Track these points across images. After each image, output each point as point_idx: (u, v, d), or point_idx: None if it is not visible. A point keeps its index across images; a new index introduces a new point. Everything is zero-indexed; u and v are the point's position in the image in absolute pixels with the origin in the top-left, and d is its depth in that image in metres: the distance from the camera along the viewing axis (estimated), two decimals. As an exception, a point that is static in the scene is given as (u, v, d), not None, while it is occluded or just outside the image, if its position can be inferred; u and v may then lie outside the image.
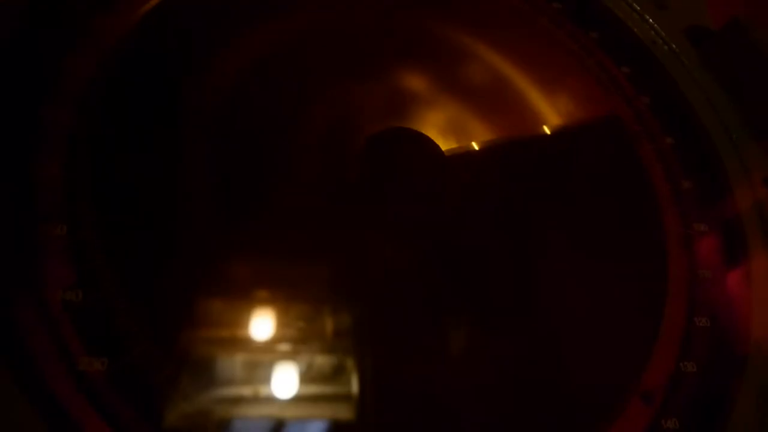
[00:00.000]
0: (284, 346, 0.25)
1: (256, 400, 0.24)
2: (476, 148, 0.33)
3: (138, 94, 0.28)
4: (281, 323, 0.25)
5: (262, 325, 0.25)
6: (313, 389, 0.24)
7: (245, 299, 0.26)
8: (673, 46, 0.38)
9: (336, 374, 0.25)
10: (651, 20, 0.39)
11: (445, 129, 0.33)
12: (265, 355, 0.25)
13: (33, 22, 0.28)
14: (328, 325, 0.26)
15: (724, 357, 0.29)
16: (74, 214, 0.24)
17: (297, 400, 0.24)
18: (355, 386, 0.24)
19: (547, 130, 0.35)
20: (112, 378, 0.22)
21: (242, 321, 0.25)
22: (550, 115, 0.35)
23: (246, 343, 0.25)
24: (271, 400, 0.24)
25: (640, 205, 0.34)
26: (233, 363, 0.24)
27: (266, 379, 0.24)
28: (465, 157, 0.32)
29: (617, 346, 0.29)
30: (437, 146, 0.32)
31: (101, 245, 0.24)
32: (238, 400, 0.23)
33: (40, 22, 0.28)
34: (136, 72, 0.29)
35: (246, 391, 0.24)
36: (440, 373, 0.26)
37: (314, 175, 0.30)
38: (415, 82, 0.34)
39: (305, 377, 0.24)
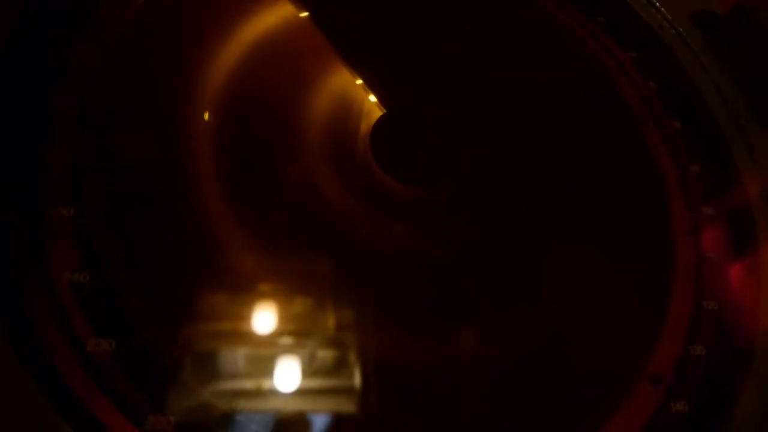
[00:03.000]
0: (289, 339, 0.25)
1: (260, 392, 0.24)
2: (483, 136, 0.33)
3: (143, 80, 0.28)
4: (286, 314, 0.25)
5: (267, 315, 0.25)
6: (318, 382, 0.24)
7: (250, 285, 0.26)
8: (680, 30, 0.38)
9: (340, 367, 0.25)
10: (658, 5, 0.39)
11: (449, 116, 0.33)
12: (270, 347, 0.25)
13: (41, 10, 0.28)
14: (333, 318, 0.26)
15: (732, 340, 0.29)
16: (82, 197, 0.24)
17: (301, 392, 0.24)
18: (357, 379, 0.24)
19: (553, 118, 0.35)
20: (119, 359, 0.22)
21: (247, 308, 0.25)
22: (555, 101, 0.35)
23: (251, 333, 0.25)
24: (275, 392, 0.24)
25: (647, 189, 0.33)
26: (237, 353, 0.24)
27: (270, 372, 0.24)
28: (472, 145, 0.32)
29: (625, 330, 0.29)
30: (441, 134, 0.32)
31: (108, 228, 0.24)
32: (243, 392, 0.23)
33: (48, 10, 0.28)
34: (141, 58, 0.29)
35: (250, 382, 0.24)
36: (445, 359, 0.26)
37: (319, 165, 0.30)
38: (419, 69, 0.34)
39: (310, 370, 0.24)
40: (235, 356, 0.24)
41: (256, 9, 0.33)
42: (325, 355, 0.25)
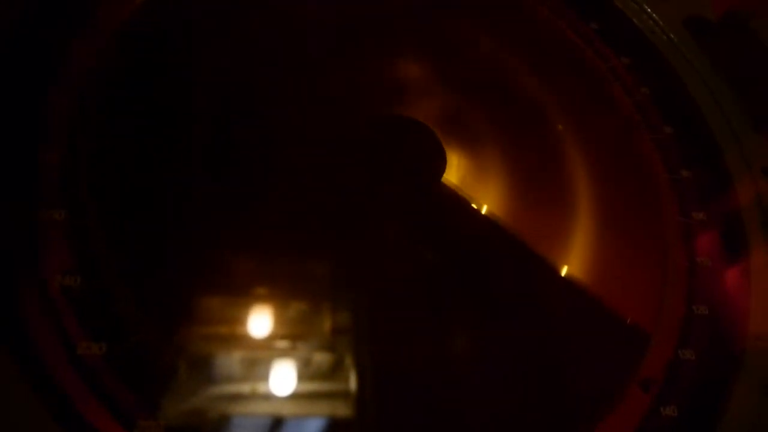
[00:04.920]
0: (283, 343, 0.25)
1: (253, 396, 0.24)
2: (476, 137, 0.33)
3: (138, 81, 0.28)
4: (280, 317, 0.25)
5: (260, 318, 0.25)
6: (312, 386, 0.24)
7: (244, 288, 0.26)
8: (672, 36, 0.38)
9: (335, 371, 0.25)
10: (650, 11, 0.39)
11: (444, 118, 0.33)
12: (263, 350, 0.25)
13: (36, 9, 0.28)
14: (327, 321, 0.26)
15: (723, 345, 0.29)
16: (74, 200, 0.24)
17: (295, 397, 0.24)
18: (353, 383, 0.24)
19: (546, 121, 0.35)
20: (110, 362, 0.22)
21: (240, 311, 0.25)
22: (548, 105, 0.35)
23: (244, 336, 0.25)
24: (269, 396, 0.24)
25: (639, 194, 0.34)
26: (230, 357, 0.24)
27: (263, 376, 0.24)
28: (467, 150, 0.32)
29: (616, 334, 0.29)
30: (436, 135, 0.32)
31: (100, 231, 0.24)
32: (235, 396, 0.23)
33: (43, 9, 0.28)
34: (136, 60, 0.29)
35: (243, 385, 0.24)
36: (438, 363, 0.26)
37: (313, 168, 0.30)
38: (415, 72, 0.34)
39: (304, 374, 0.24)
40: (228, 360, 0.24)
41: (263, 9, 0.33)
42: (321, 358, 0.25)
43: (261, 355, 0.24)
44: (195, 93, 0.29)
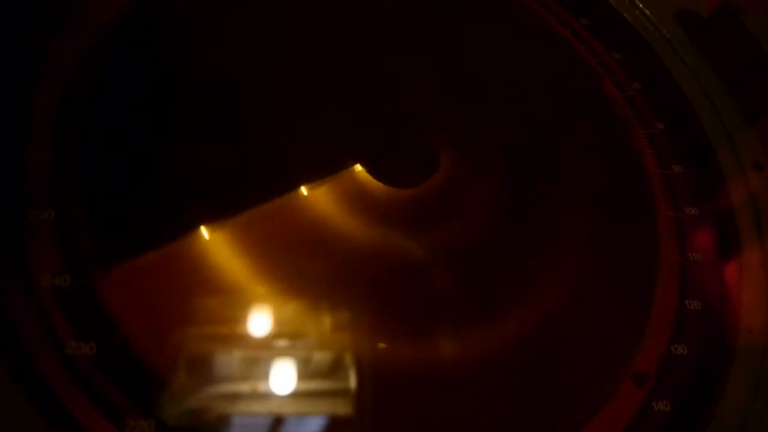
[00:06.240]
0: (276, 341, 0.25)
1: (248, 395, 0.23)
2: (468, 136, 0.33)
3: (125, 79, 0.28)
4: (273, 315, 0.25)
5: (253, 315, 0.25)
6: (308, 385, 0.24)
7: (237, 286, 0.26)
8: (664, 31, 0.38)
9: (334, 370, 0.25)
10: (641, 5, 0.39)
11: (435, 115, 0.33)
12: (257, 349, 0.25)
13: (21, 8, 0.28)
14: (326, 320, 0.26)
15: (716, 340, 0.29)
16: (62, 199, 0.24)
17: (290, 396, 0.24)
18: (353, 382, 0.24)
19: (538, 118, 0.35)
20: (100, 362, 0.22)
21: (233, 308, 0.25)
22: (540, 102, 0.35)
23: (232, 336, 0.25)
24: (263, 395, 0.24)
25: (631, 189, 0.34)
26: (223, 355, 0.24)
27: (258, 374, 0.24)
28: (457, 145, 0.32)
29: (609, 329, 0.29)
30: (429, 131, 0.32)
31: (89, 230, 0.24)
32: (228, 395, 0.23)
33: (29, 7, 0.28)
34: (123, 58, 0.28)
35: (236, 384, 0.23)
36: (434, 359, 0.26)
37: (309, 165, 0.29)
38: (405, 67, 0.34)
39: (300, 373, 0.24)
40: (220, 359, 0.24)
41: (251, 9, 0.33)
42: (319, 357, 0.25)
43: (253, 353, 0.24)
44: (183, 90, 0.29)
